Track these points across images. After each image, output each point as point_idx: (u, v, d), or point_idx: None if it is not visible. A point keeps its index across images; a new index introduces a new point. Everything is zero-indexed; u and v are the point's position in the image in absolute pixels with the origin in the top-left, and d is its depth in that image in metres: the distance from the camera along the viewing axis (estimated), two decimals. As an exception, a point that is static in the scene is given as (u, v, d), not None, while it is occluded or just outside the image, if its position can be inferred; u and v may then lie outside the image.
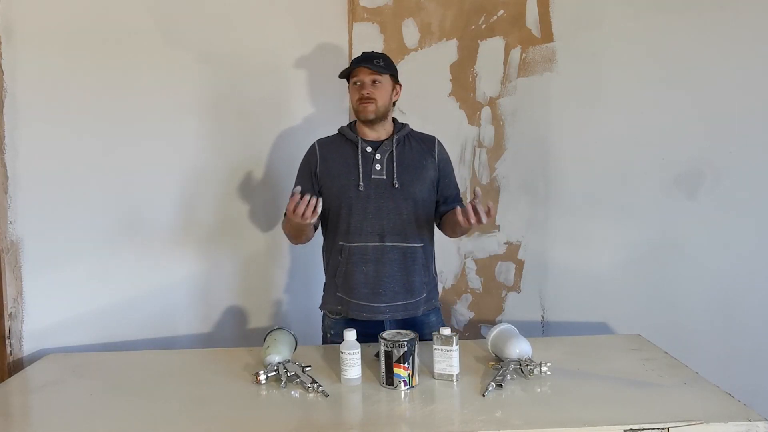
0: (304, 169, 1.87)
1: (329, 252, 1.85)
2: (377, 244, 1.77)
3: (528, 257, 2.41)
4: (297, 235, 1.79)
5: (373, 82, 1.76)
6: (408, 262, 1.79)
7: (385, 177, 1.78)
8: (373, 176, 1.77)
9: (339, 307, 1.81)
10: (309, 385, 1.43)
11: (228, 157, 2.20)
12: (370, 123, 1.79)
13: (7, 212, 1.89)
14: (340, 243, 1.79)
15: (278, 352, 1.55)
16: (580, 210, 2.36)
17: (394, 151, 1.79)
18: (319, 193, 1.81)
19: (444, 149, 1.90)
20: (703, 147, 2.26)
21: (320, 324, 1.92)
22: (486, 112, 2.40)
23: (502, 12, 2.35)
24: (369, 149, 1.80)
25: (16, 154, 1.90)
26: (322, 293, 1.90)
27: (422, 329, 1.76)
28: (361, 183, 1.76)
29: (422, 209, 1.82)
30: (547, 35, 2.34)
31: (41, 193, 1.94)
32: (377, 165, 1.78)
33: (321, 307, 1.90)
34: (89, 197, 2.01)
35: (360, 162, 1.78)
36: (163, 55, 2.08)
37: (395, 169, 1.78)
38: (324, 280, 1.90)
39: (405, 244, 1.78)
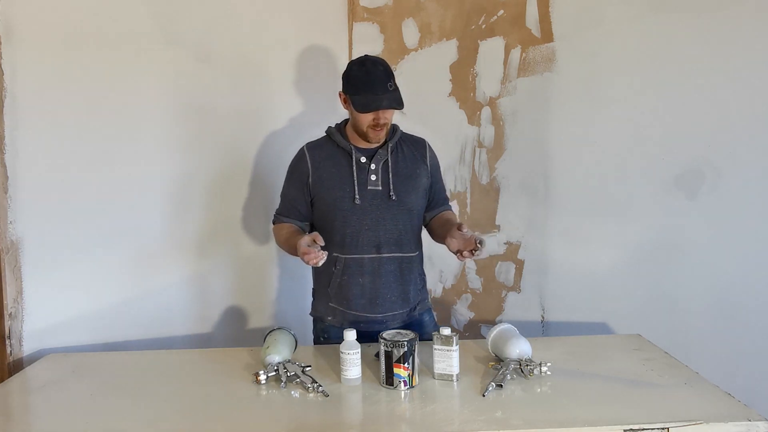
0: (294, 177, 1.80)
1: None
2: (374, 255, 1.73)
3: (528, 257, 2.41)
4: (291, 252, 1.72)
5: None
6: (404, 271, 1.77)
7: (380, 188, 1.73)
8: (369, 187, 1.73)
9: (330, 317, 1.79)
10: (309, 385, 1.43)
11: (227, 157, 2.20)
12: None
13: (7, 212, 1.89)
14: (335, 254, 1.73)
15: (278, 352, 1.55)
16: (580, 210, 2.35)
17: (389, 159, 1.75)
18: (311, 203, 1.78)
19: (434, 153, 1.87)
20: (703, 147, 2.26)
21: (318, 325, 1.91)
22: (486, 112, 2.39)
23: (502, 12, 2.35)
24: (363, 159, 1.74)
25: (16, 154, 1.90)
26: (312, 299, 1.86)
27: (414, 329, 1.72)
28: (357, 195, 1.71)
29: (417, 218, 1.80)
30: (547, 35, 2.34)
31: (41, 193, 1.94)
32: (372, 176, 1.73)
33: (312, 313, 1.87)
34: (89, 197, 2.01)
35: (355, 173, 1.72)
36: (163, 56, 2.08)
37: (391, 179, 1.73)
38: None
39: (401, 254, 1.76)
